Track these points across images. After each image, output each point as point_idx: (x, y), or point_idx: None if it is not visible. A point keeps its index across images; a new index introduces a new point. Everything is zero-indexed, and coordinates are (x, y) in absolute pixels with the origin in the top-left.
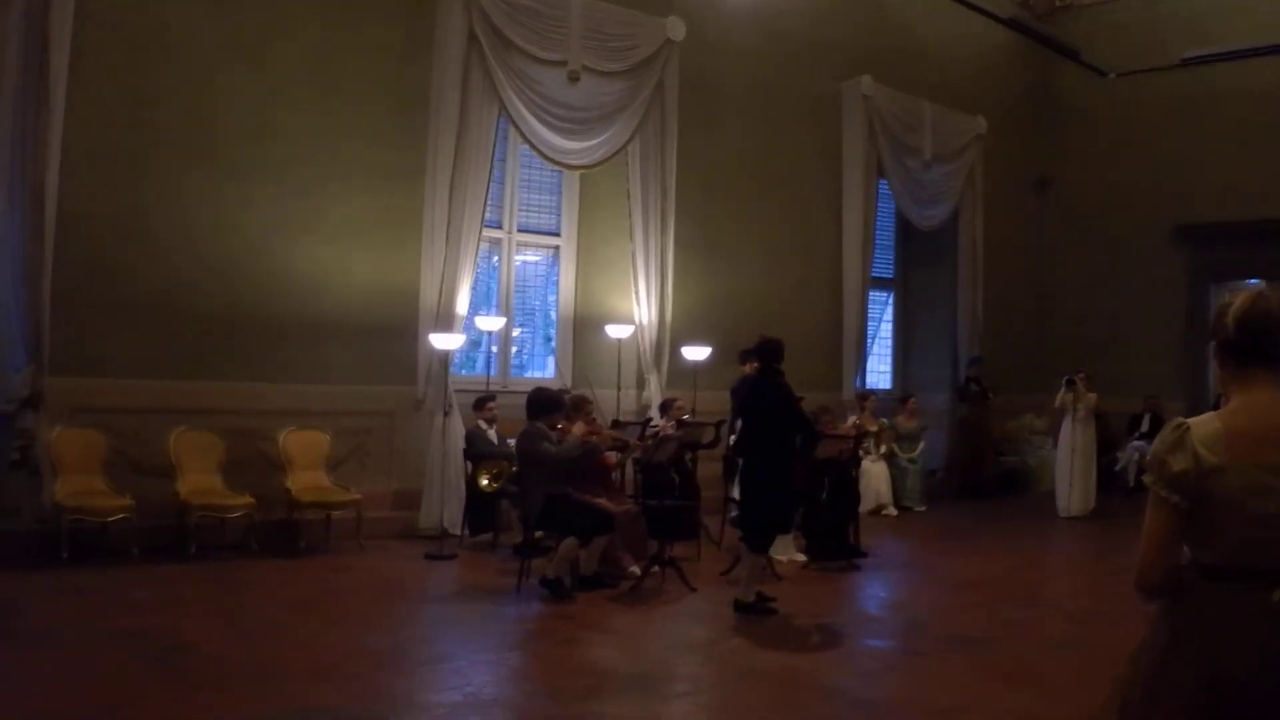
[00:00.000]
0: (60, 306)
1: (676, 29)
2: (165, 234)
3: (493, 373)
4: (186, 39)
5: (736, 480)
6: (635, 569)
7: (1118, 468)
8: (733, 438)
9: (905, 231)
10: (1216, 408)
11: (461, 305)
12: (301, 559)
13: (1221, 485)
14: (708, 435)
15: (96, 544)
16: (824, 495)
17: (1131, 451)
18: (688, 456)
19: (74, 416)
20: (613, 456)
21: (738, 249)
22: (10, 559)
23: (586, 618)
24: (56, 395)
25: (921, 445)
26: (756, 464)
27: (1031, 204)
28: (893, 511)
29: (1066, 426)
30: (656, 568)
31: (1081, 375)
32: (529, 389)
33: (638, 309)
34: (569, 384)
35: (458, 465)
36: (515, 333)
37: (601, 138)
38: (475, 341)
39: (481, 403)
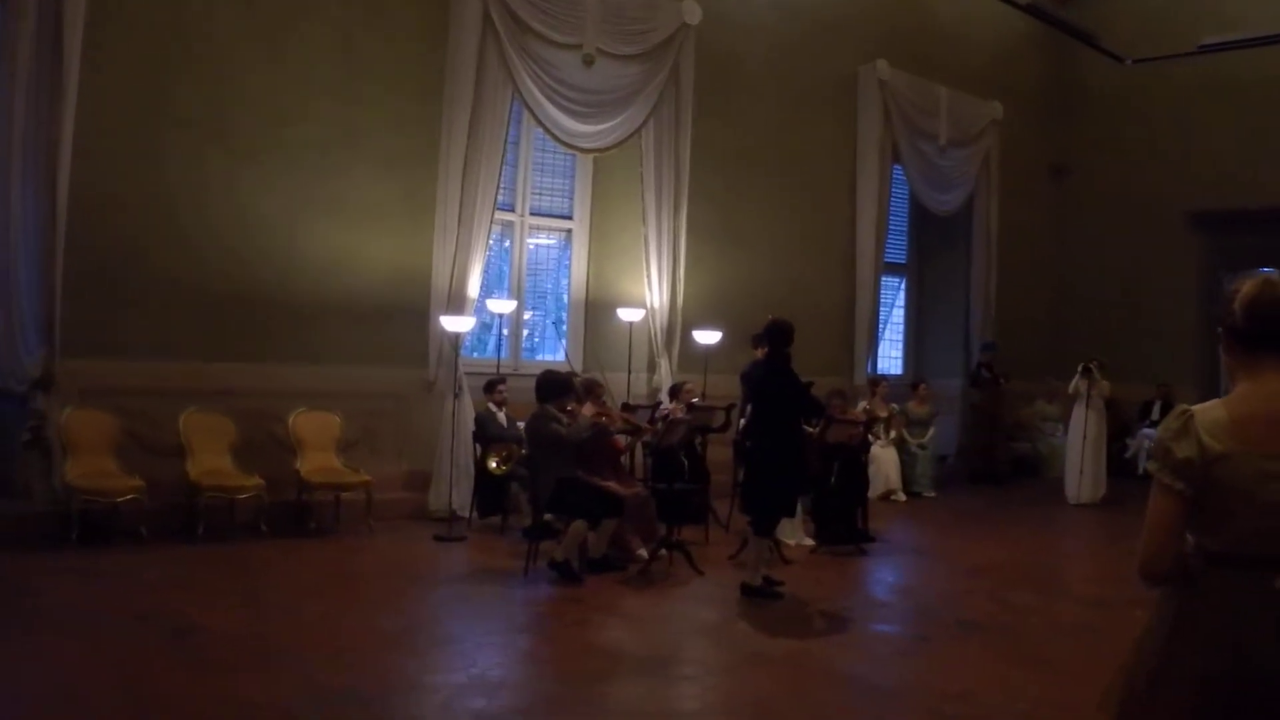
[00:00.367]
0: (73, 289)
1: (692, 12)
2: (180, 218)
3: (503, 356)
4: (204, 23)
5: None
6: (643, 552)
7: (1128, 455)
8: (742, 421)
9: (920, 217)
10: None
11: (473, 288)
12: (311, 540)
13: (1226, 472)
14: (718, 419)
15: (107, 525)
16: (833, 480)
17: (1142, 439)
18: (697, 440)
19: (85, 398)
20: (622, 440)
21: (750, 233)
22: (21, 540)
23: (595, 600)
24: (68, 377)
25: (932, 431)
26: (765, 447)
27: (1047, 190)
28: (902, 497)
29: (1079, 413)
30: (665, 551)
31: (1097, 362)
32: (539, 372)
33: (649, 293)
34: (575, 367)
35: (467, 448)
36: (526, 316)
37: (615, 121)
38: (486, 324)
39: (492, 385)
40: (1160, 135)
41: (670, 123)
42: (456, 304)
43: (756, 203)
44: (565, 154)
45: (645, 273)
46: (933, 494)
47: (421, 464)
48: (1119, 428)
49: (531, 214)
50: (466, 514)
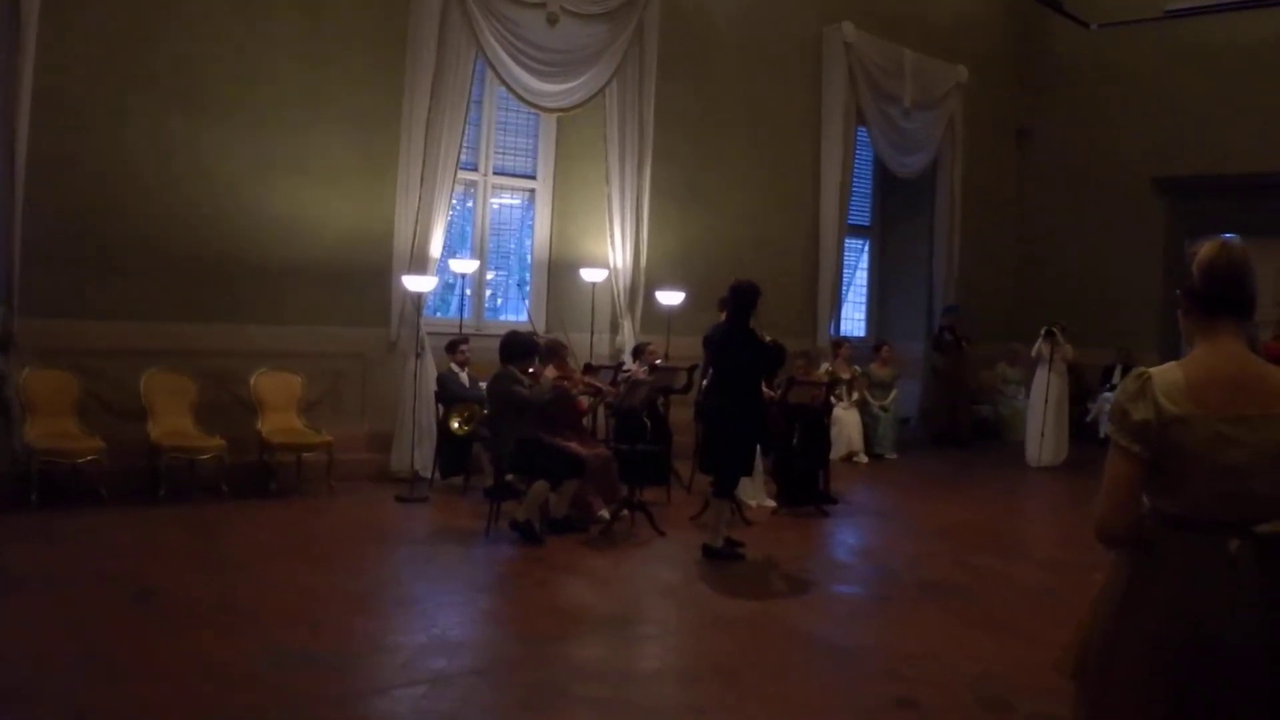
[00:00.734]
0: (33, 249)
1: None
2: (142, 178)
3: (466, 316)
4: None
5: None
6: (605, 513)
7: (1089, 419)
8: (704, 384)
9: (884, 180)
10: None
11: (435, 248)
12: (273, 501)
13: (1183, 435)
14: (680, 380)
15: (67, 486)
16: (795, 441)
17: (1103, 402)
18: (660, 401)
19: (46, 358)
20: (585, 401)
21: (714, 194)
22: None
23: (556, 561)
24: (28, 336)
25: (895, 393)
26: (724, 410)
27: (1011, 154)
28: (864, 459)
29: (1041, 376)
30: (626, 512)
31: (1060, 326)
32: (502, 332)
33: (612, 253)
34: (537, 328)
35: (430, 408)
36: (489, 276)
37: (579, 80)
38: (449, 284)
39: (454, 346)
40: (1126, 100)
41: (634, 83)
42: (419, 264)
43: (720, 164)
44: (529, 113)
45: (608, 233)
46: (895, 456)
47: (383, 424)
48: (1081, 392)
49: (495, 173)
50: (428, 474)
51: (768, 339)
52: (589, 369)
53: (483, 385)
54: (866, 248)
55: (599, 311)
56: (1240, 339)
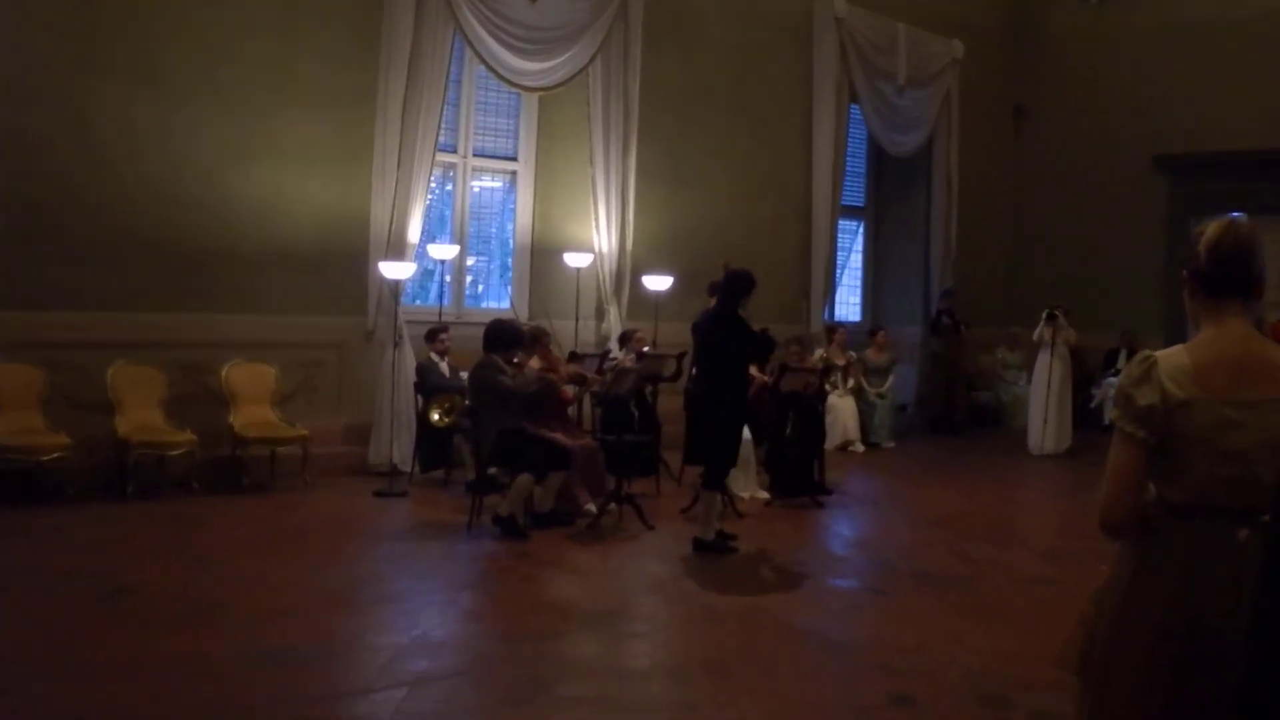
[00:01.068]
0: None
1: None
2: (109, 163)
3: (446, 303)
4: None
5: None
6: (592, 506)
7: (1093, 404)
8: (693, 371)
9: (878, 159)
10: None
11: (413, 233)
12: (246, 497)
13: (1189, 420)
14: (669, 368)
15: (33, 484)
16: (789, 430)
17: (1107, 388)
18: (648, 390)
19: (10, 351)
20: (570, 390)
21: (702, 175)
22: None
23: (541, 556)
24: None
25: (891, 379)
26: (712, 398)
27: (1008, 132)
28: (860, 448)
29: (1043, 361)
30: (614, 505)
31: (1062, 309)
32: (484, 320)
33: (597, 237)
34: (519, 314)
35: (409, 399)
36: (470, 261)
37: (561, 58)
38: (428, 270)
39: (434, 334)
40: (1125, 77)
41: (618, 60)
42: (396, 249)
43: (709, 144)
44: (509, 93)
45: (593, 216)
46: (891, 444)
47: (360, 417)
48: (1084, 377)
49: (474, 155)
50: (408, 468)
51: (756, 328)
52: (574, 357)
53: (464, 375)
54: (861, 229)
55: (584, 297)
56: (1247, 320)
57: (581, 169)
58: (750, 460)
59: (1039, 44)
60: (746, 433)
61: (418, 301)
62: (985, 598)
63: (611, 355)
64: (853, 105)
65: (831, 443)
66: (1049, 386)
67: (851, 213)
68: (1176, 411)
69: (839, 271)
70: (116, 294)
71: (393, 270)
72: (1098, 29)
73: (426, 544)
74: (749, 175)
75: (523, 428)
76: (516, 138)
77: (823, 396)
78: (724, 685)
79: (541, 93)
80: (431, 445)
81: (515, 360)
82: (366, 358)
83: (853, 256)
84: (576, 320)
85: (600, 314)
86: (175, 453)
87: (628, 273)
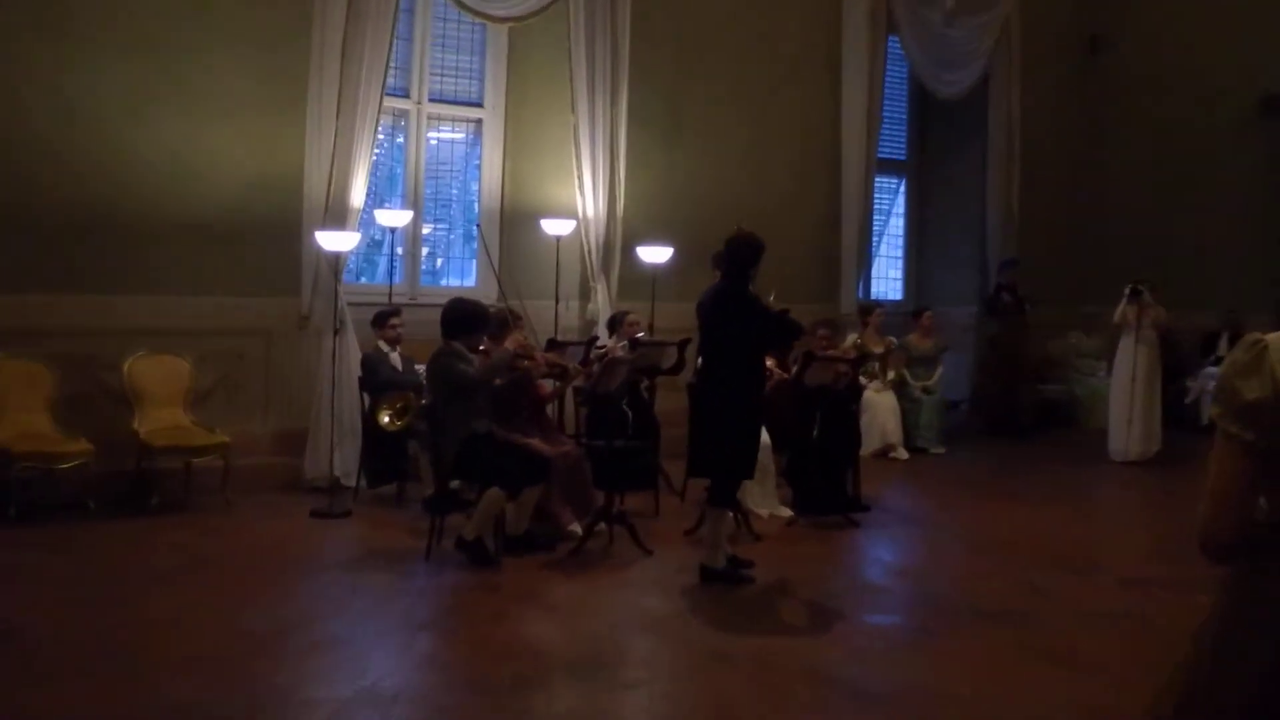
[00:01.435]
0: None
1: None
2: None
3: (397, 281)
4: None
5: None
6: (576, 527)
7: (1188, 400)
8: (699, 360)
9: (922, 103)
10: None
11: (357, 196)
12: (155, 520)
13: None
14: (669, 358)
15: None
16: (815, 434)
17: (1205, 379)
18: (644, 385)
19: None
20: (548, 385)
21: (708, 124)
22: None
23: (515, 589)
24: None
25: (940, 371)
26: (718, 393)
27: (1081, 69)
28: (903, 454)
29: (1126, 348)
30: (603, 526)
31: (1149, 283)
32: (444, 301)
33: (581, 199)
34: (505, 293)
35: (353, 398)
36: (426, 230)
37: None
38: (375, 241)
39: (383, 319)
40: (1224, 2)
41: None
42: (336, 216)
43: (715, 86)
44: (474, 25)
45: (576, 175)
46: (941, 450)
47: (294, 420)
48: (1176, 366)
49: (431, 101)
50: (352, 482)
51: (775, 307)
52: (553, 345)
53: (420, 369)
54: (902, 188)
55: (565, 273)
56: None
57: (561, 117)
58: (769, 470)
59: None
60: (764, 437)
61: (363, 279)
62: (1056, 637)
63: (599, 343)
64: (891, 38)
65: (868, 448)
66: (1133, 378)
67: (890, 168)
68: None
69: (875, 240)
70: None
71: (332, 241)
72: None
73: (375, 575)
74: (765, 124)
75: (491, 432)
76: (482, 80)
77: (856, 392)
78: None
79: (512, 24)
80: (381, 454)
81: (482, 348)
82: (301, 348)
83: (892, 221)
84: (556, 301)
85: (585, 293)
86: (66, 466)
87: (618, 243)
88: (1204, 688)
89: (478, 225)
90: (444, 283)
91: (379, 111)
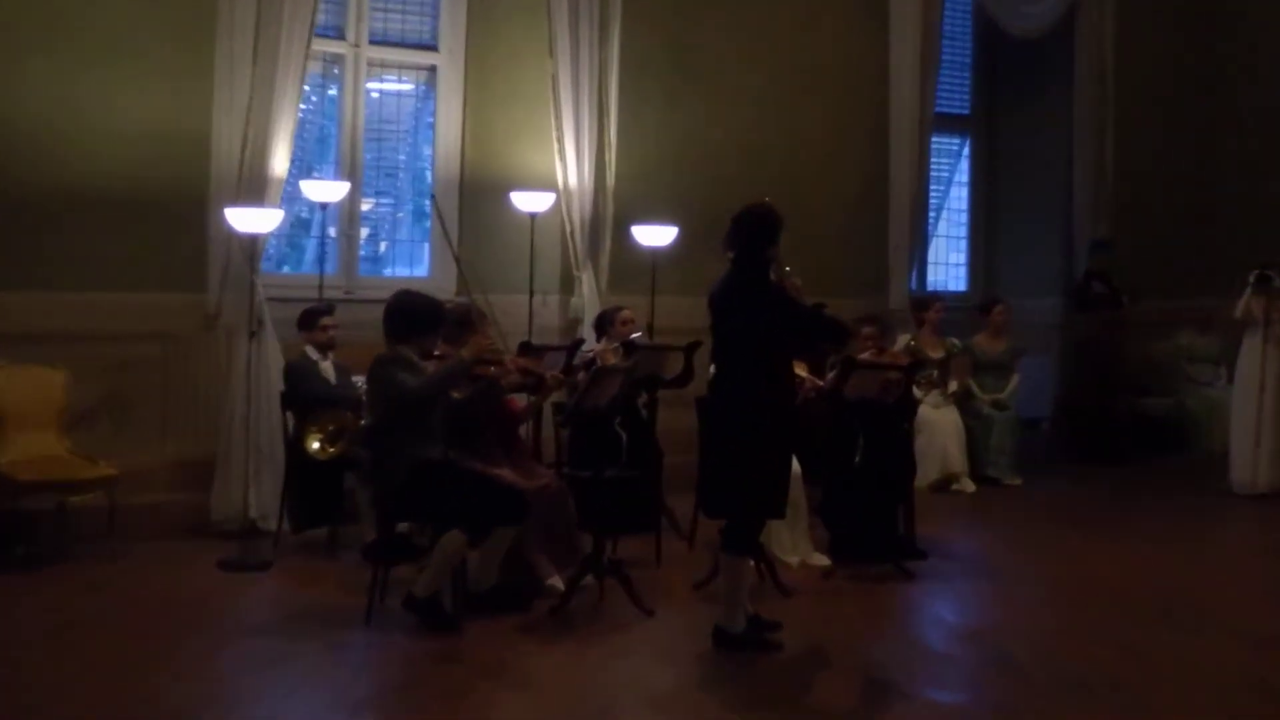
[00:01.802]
0: None
1: None
2: None
3: (330, 270)
4: None
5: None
6: (558, 581)
7: None
8: (712, 368)
9: (990, 45)
10: None
11: (279, 163)
12: (21, 575)
13: None
14: (673, 366)
15: None
16: (859, 460)
17: None
18: (641, 400)
19: None
20: (521, 400)
21: (721, 73)
22: None
23: (480, 660)
24: None
25: (1015, 380)
26: (735, 410)
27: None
28: (969, 486)
29: (1252, 349)
30: (591, 578)
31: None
32: (388, 295)
33: (562, 167)
34: (469, 285)
35: (273, 419)
36: (366, 206)
37: None
38: (302, 220)
39: (312, 318)
40: None
41: None
42: (253, 189)
43: (730, 26)
44: None
45: (555, 136)
46: (1017, 481)
47: (198, 447)
48: None
49: (373, 44)
50: (272, 526)
51: (787, 279)
52: (528, 350)
53: (359, 380)
54: (966, 151)
55: (542, 260)
56: None
57: (536, 64)
58: (800, 508)
59: None
60: (795, 465)
61: (286, 268)
62: (1164, 711)
63: (586, 348)
64: None
65: (925, 478)
66: (1261, 388)
67: (952, 125)
68: None
69: (933, 216)
70: None
71: (247, 220)
72: None
73: (303, 643)
74: (791, 72)
75: (448, 460)
76: (436, 16)
77: (910, 407)
78: None
79: None
80: (309, 490)
81: (437, 354)
82: (207, 356)
83: (954, 193)
84: (531, 295)
85: (568, 285)
86: None
87: (608, 221)
88: None
89: (432, 199)
90: (389, 272)
91: (306, 57)
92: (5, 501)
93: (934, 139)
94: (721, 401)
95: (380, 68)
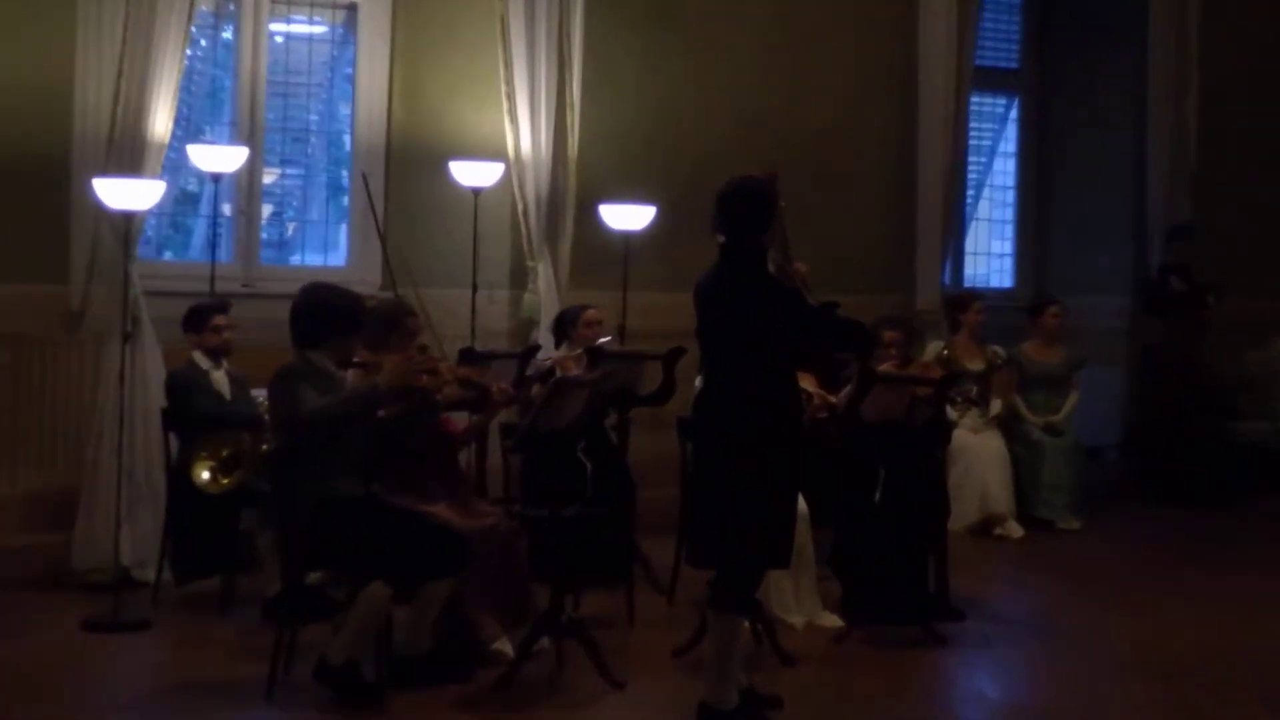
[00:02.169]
0: None
1: None
2: None
3: (225, 258)
4: None
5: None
6: (506, 644)
7: None
8: (698, 381)
9: None
10: None
11: (160, 124)
12: None
13: None
14: (649, 379)
15: None
16: (878, 496)
17: None
18: (610, 421)
19: None
20: (461, 419)
21: (712, 14)
22: None
23: None
24: None
25: (1073, 399)
26: (726, 434)
27: None
28: (1016, 530)
29: None
30: (547, 642)
31: None
32: (295, 289)
33: (513, 131)
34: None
35: (153, 443)
36: (270, 178)
37: None
38: (189, 194)
39: (202, 318)
40: None
41: None
42: (127, 156)
43: None
44: None
45: (505, 93)
46: (1075, 524)
47: (59, 478)
48: None
49: None
50: (151, 576)
51: (810, 297)
52: (470, 358)
53: (259, 395)
54: (1014, 115)
55: (489, 246)
56: None
57: (479, 5)
58: (806, 554)
59: None
60: (800, 504)
61: (168, 254)
62: None
63: (542, 355)
64: None
65: (962, 520)
66: None
67: (995, 82)
68: None
69: (971, 197)
70: None
71: (120, 194)
72: None
73: None
74: (798, 20)
75: (369, 492)
76: None
77: (943, 431)
78: None
79: None
80: (198, 531)
81: (356, 360)
82: (69, 363)
83: (998, 165)
84: (474, 290)
85: (519, 277)
86: None
87: (570, 199)
88: None
89: (363, 178)
90: (297, 260)
91: None
92: None
93: (973, 99)
94: (710, 422)
95: (287, 5)
